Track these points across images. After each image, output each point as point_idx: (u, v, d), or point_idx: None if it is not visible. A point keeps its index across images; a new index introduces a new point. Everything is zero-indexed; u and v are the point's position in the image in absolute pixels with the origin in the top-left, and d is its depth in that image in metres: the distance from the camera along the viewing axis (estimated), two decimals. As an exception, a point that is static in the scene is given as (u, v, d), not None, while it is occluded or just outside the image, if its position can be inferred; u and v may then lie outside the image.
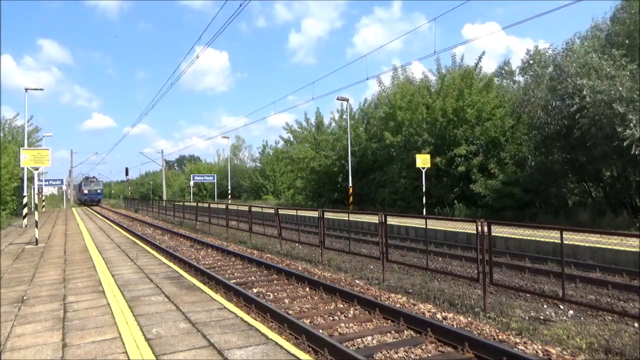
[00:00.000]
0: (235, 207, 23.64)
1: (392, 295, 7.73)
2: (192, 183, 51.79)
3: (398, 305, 6.96)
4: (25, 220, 19.15)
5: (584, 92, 13.36)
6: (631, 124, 12.21)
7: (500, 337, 5.53)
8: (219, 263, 11.80)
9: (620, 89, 12.37)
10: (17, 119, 31.99)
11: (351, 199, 24.98)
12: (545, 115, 15.53)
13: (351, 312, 6.79)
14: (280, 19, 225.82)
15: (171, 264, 9.22)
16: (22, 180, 22.32)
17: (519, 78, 19.13)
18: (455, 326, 5.93)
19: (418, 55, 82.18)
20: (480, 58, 22.96)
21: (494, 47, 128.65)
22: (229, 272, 10.47)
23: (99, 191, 61.91)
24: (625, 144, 12.35)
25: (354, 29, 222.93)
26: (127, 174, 64.96)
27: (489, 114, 20.82)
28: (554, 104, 15.43)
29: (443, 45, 34.46)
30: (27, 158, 12.68)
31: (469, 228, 9.78)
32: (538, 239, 11.02)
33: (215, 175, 50.97)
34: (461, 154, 20.53)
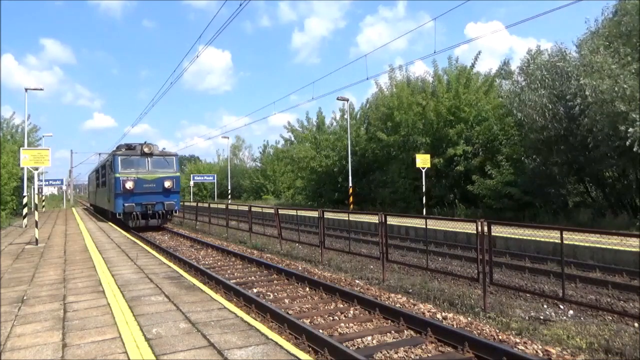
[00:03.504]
0: (235, 207, 23.63)
1: (392, 295, 7.73)
2: (192, 183, 51.75)
3: (398, 305, 6.96)
4: (25, 220, 19.13)
5: (587, 92, 13.34)
6: (635, 123, 12.18)
7: (500, 337, 5.53)
8: (219, 263, 11.80)
9: (625, 86, 12.33)
10: (15, 118, 32.01)
11: (351, 199, 24.98)
12: (543, 118, 15.49)
13: (351, 312, 6.79)
14: (284, 19, 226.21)
15: (171, 264, 9.21)
16: (22, 180, 22.33)
17: (518, 78, 19.10)
18: (455, 326, 5.93)
19: (422, 54, 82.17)
20: (476, 58, 22.97)
21: (497, 46, 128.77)
22: (229, 272, 10.46)
23: (168, 185, 19.51)
24: (627, 142, 12.33)
25: (358, 29, 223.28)
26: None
27: (487, 112, 20.85)
28: (550, 107, 15.39)
29: (446, 44, 34.48)
30: (27, 158, 12.67)
31: (469, 228, 9.78)
32: (538, 239, 11.02)
33: (215, 175, 50.95)
34: (458, 154, 20.55)
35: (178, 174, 20.65)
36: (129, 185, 18.67)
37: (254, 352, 4.06)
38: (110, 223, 19.95)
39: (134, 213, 18.79)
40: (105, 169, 23.01)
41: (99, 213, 27.97)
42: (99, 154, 37.00)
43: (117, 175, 18.84)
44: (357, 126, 29.49)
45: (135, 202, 18.87)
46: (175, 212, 20.56)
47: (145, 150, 19.54)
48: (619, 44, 13.76)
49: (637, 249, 8.84)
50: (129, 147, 20.25)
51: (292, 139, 36.45)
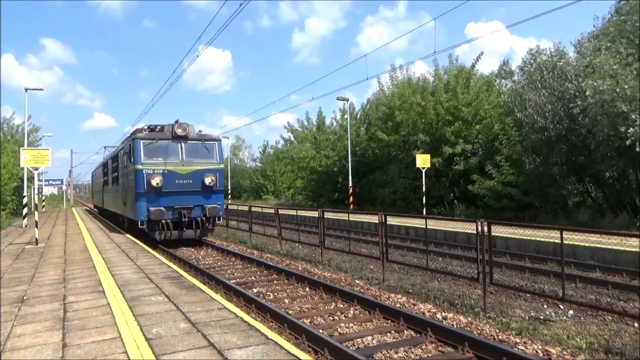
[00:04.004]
0: (235, 207, 23.63)
1: (392, 295, 7.74)
2: (192, 183, 51.46)
3: (398, 305, 6.96)
4: (25, 220, 19.14)
5: (587, 93, 13.33)
6: (635, 123, 12.17)
7: (500, 337, 5.54)
8: (219, 263, 11.80)
9: (625, 87, 12.33)
10: (15, 118, 32.12)
11: (351, 199, 25.00)
12: (543, 118, 15.49)
13: (351, 312, 6.79)
14: (284, 19, 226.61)
15: (171, 264, 9.21)
16: (22, 180, 22.34)
17: (519, 78, 19.08)
18: (455, 326, 5.93)
19: (422, 54, 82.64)
20: (477, 58, 23.00)
21: (498, 46, 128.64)
22: (229, 272, 10.46)
23: (209, 182, 14.10)
24: (628, 142, 12.32)
25: (359, 29, 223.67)
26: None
27: (487, 112, 20.86)
28: (550, 107, 15.38)
29: (447, 44, 34.54)
30: (27, 158, 12.68)
31: (469, 228, 9.78)
32: (538, 239, 11.02)
33: (216, 175, 50.76)
34: (457, 153, 20.56)
35: (222, 165, 15.18)
36: (156, 181, 13.29)
37: (254, 352, 4.06)
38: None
39: (163, 221, 13.50)
40: (118, 160, 17.48)
41: (108, 218, 22.91)
42: (105, 147, 29.23)
43: (139, 166, 13.47)
44: (357, 126, 29.50)
45: (165, 206, 13.51)
46: (219, 219, 14.81)
47: (178, 131, 13.98)
48: (621, 44, 13.73)
49: (637, 249, 8.84)
50: (153, 128, 14.65)
51: (292, 139, 36.46)
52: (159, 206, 13.44)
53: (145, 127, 14.89)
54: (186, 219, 13.81)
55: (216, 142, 14.97)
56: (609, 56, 13.28)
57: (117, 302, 5.97)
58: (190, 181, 13.89)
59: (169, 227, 13.61)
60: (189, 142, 14.24)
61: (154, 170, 13.49)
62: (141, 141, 13.77)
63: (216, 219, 14.56)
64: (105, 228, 18.28)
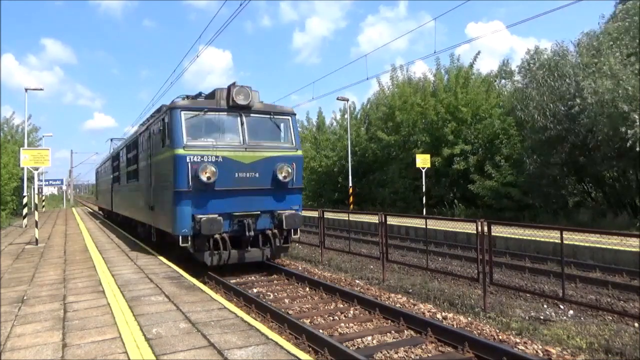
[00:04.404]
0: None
1: (392, 295, 7.74)
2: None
3: (398, 305, 6.97)
4: (25, 220, 19.14)
5: (585, 94, 13.32)
6: (634, 124, 12.17)
7: (500, 337, 5.54)
8: (219, 263, 11.76)
9: (628, 87, 12.31)
10: (15, 118, 32.19)
11: (351, 199, 25.00)
12: (544, 118, 15.49)
13: (351, 312, 6.79)
14: (285, 19, 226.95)
15: (171, 264, 9.20)
16: (22, 180, 22.35)
17: (518, 77, 19.08)
18: (455, 326, 5.94)
19: (423, 54, 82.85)
20: (475, 58, 23.00)
21: (498, 47, 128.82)
22: (228, 271, 10.45)
23: (283, 176, 9.37)
24: (628, 144, 12.32)
25: (359, 29, 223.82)
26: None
27: (485, 112, 20.86)
28: (551, 106, 15.38)
29: (447, 44, 34.54)
30: (27, 158, 12.68)
31: (469, 228, 9.77)
32: (538, 239, 11.02)
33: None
34: (456, 153, 20.56)
35: (300, 152, 10.37)
36: (207, 173, 8.76)
37: (254, 352, 4.06)
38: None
39: (220, 236, 8.96)
40: (138, 147, 12.80)
41: (121, 225, 17.94)
42: (111, 139, 23.96)
43: (180, 151, 8.83)
44: (357, 126, 29.51)
45: (220, 212, 8.97)
46: (296, 231, 10.25)
47: (238, 99, 9.37)
48: (622, 44, 13.71)
49: (637, 249, 8.85)
50: (195, 97, 10.19)
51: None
52: (211, 213, 8.90)
53: (183, 97, 10.16)
54: (251, 233, 9.22)
55: (290, 117, 10.30)
56: (610, 55, 13.26)
57: (117, 302, 5.97)
58: (257, 174, 9.40)
59: (225, 245, 9.07)
60: (252, 115, 9.68)
61: (202, 157, 8.87)
62: (182, 112, 9.08)
63: (292, 231, 10.07)
64: (105, 228, 18.18)
